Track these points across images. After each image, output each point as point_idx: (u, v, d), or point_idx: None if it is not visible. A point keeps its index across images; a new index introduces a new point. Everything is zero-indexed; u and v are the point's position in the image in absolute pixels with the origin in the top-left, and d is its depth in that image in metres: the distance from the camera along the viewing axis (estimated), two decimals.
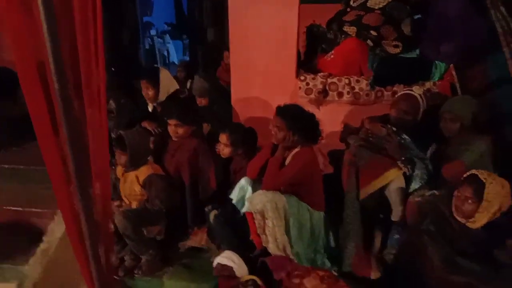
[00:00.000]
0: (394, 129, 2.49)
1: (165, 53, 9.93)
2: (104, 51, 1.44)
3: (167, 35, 9.94)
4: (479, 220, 2.03)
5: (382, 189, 2.45)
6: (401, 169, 2.41)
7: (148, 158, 2.72)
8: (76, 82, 1.43)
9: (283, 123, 2.38)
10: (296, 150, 2.47)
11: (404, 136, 2.54)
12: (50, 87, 1.31)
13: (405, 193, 2.48)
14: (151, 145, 2.75)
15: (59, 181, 1.51)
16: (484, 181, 1.98)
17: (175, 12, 7.20)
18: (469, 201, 2.02)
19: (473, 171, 2.06)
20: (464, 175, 2.10)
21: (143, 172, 2.59)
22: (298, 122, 2.39)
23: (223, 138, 2.74)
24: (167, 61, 9.86)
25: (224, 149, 2.76)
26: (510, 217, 2.09)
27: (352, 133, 2.65)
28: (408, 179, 2.47)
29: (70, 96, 1.33)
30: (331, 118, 3.01)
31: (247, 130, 2.80)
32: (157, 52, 9.54)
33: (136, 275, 2.49)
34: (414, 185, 2.46)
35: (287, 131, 2.38)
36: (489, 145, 2.42)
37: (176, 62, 9.62)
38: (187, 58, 8.66)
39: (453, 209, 2.10)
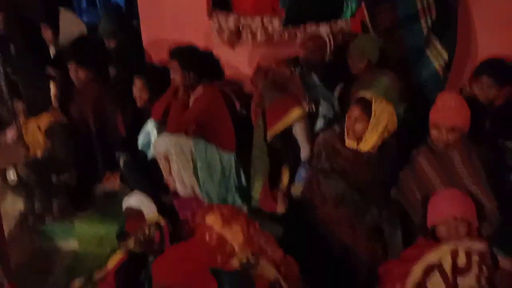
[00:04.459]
0: (299, 69, 2.49)
1: None
2: None
3: None
4: (369, 139, 2.07)
5: (290, 129, 2.49)
6: (304, 108, 2.45)
7: (52, 105, 2.62)
8: None
9: (177, 64, 2.36)
10: (199, 91, 2.44)
11: (313, 76, 2.55)
12: None
13: (312, 132, 2.54)
14: (55, 91, 2.64)
15: None
16: (371, 99, 2.05)
17: None
18: (359, 119, 2.06)
19: (360, 94, 2.11)
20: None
21: (44, 120, 2.51)
22: (192, 60, 2.37)
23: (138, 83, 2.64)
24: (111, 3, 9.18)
25: (142, 94, 2.67)
26: (398, 139, 2.16)
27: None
28: (314, 119, 2.52)
29: None
30: (247, 60, 2.97)
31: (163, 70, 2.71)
32: None
33: (47, 220, 2.49)
34: (320, 124, 2.51)
35: (182, 72, 2.36)
36: (394, 80, 2.47)
37: (122, 5, 8.96)
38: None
39: (345, 134, 2.13)
